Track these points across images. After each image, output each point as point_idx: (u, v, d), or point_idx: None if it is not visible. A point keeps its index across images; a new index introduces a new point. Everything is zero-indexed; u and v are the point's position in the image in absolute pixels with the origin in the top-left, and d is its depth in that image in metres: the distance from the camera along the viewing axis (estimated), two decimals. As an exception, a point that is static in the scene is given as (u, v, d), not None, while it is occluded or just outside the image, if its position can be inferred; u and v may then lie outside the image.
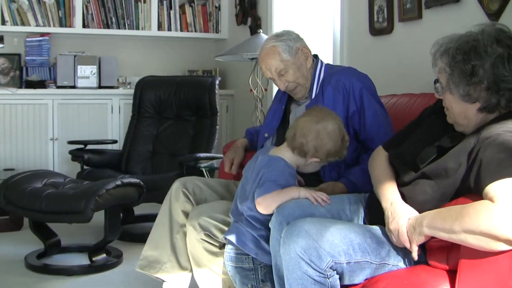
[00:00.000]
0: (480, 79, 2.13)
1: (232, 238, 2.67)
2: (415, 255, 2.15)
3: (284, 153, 2.70)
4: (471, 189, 2.06)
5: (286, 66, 3.12)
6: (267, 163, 2.67)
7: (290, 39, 3.16)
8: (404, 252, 2.22)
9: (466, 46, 2.16)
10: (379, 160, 2.62)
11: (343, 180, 2.96)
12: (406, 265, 2.24)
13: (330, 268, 2.14)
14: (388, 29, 4.23)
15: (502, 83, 2.12)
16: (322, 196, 2.50)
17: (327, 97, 3.09)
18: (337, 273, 2.17)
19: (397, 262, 2.23)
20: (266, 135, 3.33)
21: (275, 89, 5.44)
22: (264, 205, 2.53)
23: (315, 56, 3.27)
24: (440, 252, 2.14)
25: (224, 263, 2.85)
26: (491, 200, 1.88)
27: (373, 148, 2.95)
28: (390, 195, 2.35)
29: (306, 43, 3.24)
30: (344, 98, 3.08)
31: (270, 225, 2.48)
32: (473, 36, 2.18)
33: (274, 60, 3.12)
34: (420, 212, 2.23)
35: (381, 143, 2.89)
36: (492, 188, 1.90)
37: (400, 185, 2.38)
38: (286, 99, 3.36)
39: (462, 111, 2.23)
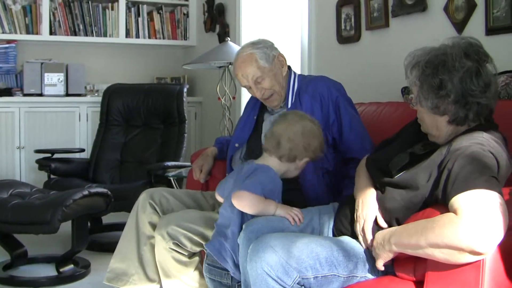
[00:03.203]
0: (448, 92, 2.14)
1: (213, 251, 2.64)
2: (381, 267, 2.16)
3: (270, 162, 2.71)
4: (438, 200, 2.07)
5: (263, 74, 3.12)
6: (257, 168, 2.68)
7: (267, 46, 3.18)
8: (372, 264, 2.22)
9: (435, 60, 2.18)
10: (363, 168, 2.64)
11: None
12: (374, 276, 2.24)
13: (298, 283, 2.13)
14: (355, 37, 4.25)
15: (469, 97, 2.14)
16: (298, 214, 2.52)
17: (305, 105, 3.11)
18: (305, 288, 2.17)
19: (365, 274, 2.23)
20: (236, 145, 3.32)
21: (243, 97, 5.45)
22: (241, 202, 2.54)
23: (288, 67, 3.27)
24: (407, 263, 2.14)
25: (198, 272, 2.86)
26: (455, 212, 1.88)
27: (351, 157, 3.00)
28: (363, 196, 2.40)
29: (281, 52, 3.25)
30: (322, 106, 3.10)
31: (238, 241, 2.46)
32: (442, 50, 2.19)
33: (252, 67, 3.12)
34: (388, 219, 2.24)
35: (358, 152, 2.92)
36: (457, 200, 1.91)
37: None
38: (258, 108, 3.36)
39: (433, 123, 2.25)
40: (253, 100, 3.41)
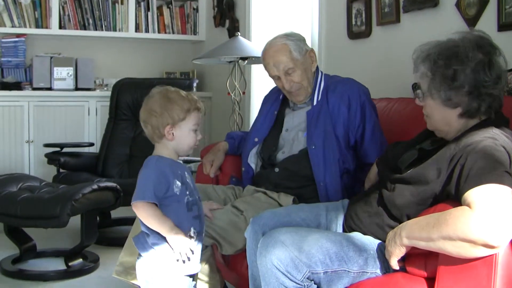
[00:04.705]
0: (462, 83, 2.14)
1: (137, 244, 2.53)
2: (395, 266, 2.15)
3: (159, 150, 2.55)
4: (450, 196, 2.06)
5: (295, 66, 3.13)
6: (143, 165, 2.50)
7: (300, 40, 3.20)
8: (382, 260, 2.22)
9: (447, 52, 2.17)
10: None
11: None
12: (385, 273, 2.23)
13: (307, 278, 2.14)
14: (366, 33, 4.23)
15: (482, 88, 2.13)
16: (187, 252, 2.38)
17: (332, 105, 3.14)
18: (314, 283, 2.16)
19: (375, 270, 2.22)
20: (256, 139, 3.32)
21: (253, 92, 5.44)
22: (139, 213, 2.40)
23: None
24: (418, 259, 2.13)
25: (209, 265, 2.87)
26: (469, 206, 1.88)
27: (369, 163, 3.02)
28: None
29: (313, 49, 3.27)
30: (350, 109, 3.12)
31: (245, 235, 2.46)
32: (454, 42, 2.19)
33: (285, 57, 3.12)
34: (399, 216, 2.24)
35: (376, 158, 2.93)
36: (470, 195, 1.90)
37: (382, 189, 2.38)
38: (279, 104, 3.35)
39: (443, 117, 2.24)
40: (274, 95, 3.42)
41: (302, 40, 3.22)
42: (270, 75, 3.24)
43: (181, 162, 2.57)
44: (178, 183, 2.44)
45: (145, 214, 2.39)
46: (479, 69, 2.13)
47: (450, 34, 2.24)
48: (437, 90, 2.21)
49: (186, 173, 2.53)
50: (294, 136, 3.20)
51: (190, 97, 2.53)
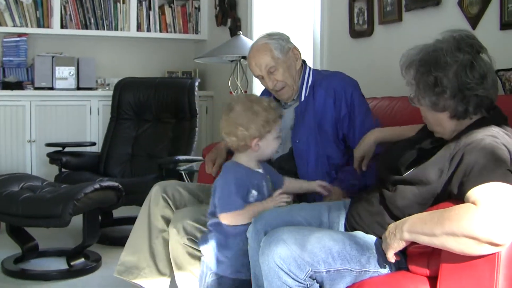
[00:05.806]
0: (444, 88, 2.14)
1: (201, 244, 2.69)
2: (391, 258, 2.14)
3: (238, 157, 2.70)
4: (452, 195, 2.05)
5: (276, 64, 3.12)
6: (221, 171, 2.66)
7: (283, 38, 3.18)
8: (384, 259, 2.21)
9: (428, 57, 2.18)
10: None
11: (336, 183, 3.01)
12: (387, 272, 2.23)
13: (310, 277, 2.13)
14: (368, 32, 4.23)
15: (466, 90, 2.13)
16: (282, 197, 2.58)
17: (318, 100, 3.12)
18: (317, 282, 2.15)
19: (377, 269, 2.21)
20: None
21: (255, 91, 5.43)
22: (230, 221, 2.55)
23: (303, 61, 3.27)
24: (421, 258, 2.13)
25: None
26: (473, 203, 1.87)
27: None
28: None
29: (296, 46, 3.25)
30: (335, 102, 3.10)
31: (247, 234, 2.46)
32: (433, 46, 2.19)
33: (266, 56, 3.12)
34: (401, 216, 2.23)
35: None
36: (474, 192, 1.90)
37: (382, 189, 2.37)
38: None
39: (436, 120, 2.26)
40: (266, 95, 3.41)
41: (285, 39, 3.20)
42: (255, 75, 3.25)
43: (260, 171, 2.68)
44: (255, 192, 2.57)
45: (236, 222, 2.55)
46: (461, 71, 2.12)
47: (439, 33, 2.24)
48: (422, 97, 2.22)
49: (263, 182, 2.64)
50: (286, 135, 3.19)
51: (272, 105, 2.62)
